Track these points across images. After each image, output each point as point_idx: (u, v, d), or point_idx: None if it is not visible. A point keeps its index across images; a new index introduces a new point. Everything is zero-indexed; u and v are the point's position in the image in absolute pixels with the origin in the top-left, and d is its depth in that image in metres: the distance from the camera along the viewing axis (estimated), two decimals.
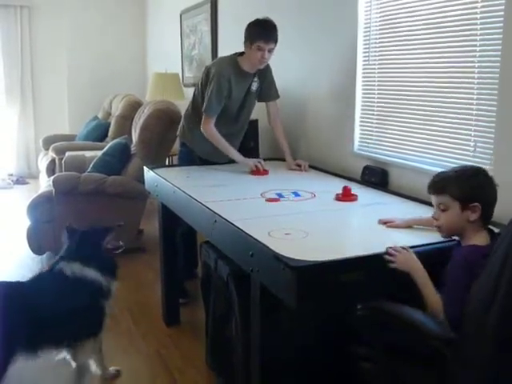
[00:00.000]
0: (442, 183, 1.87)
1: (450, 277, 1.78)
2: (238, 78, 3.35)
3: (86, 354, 2.58)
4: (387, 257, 1.83)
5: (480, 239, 1.82)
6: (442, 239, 1.94)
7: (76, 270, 2.52)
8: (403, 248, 1.85)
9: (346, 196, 2.63)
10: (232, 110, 3.43)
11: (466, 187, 1.82)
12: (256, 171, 3.22)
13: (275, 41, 3.26)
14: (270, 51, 3.27)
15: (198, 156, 3.53)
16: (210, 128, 3.34)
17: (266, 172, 3.24)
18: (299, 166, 3.36)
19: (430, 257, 1.88)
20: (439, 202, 1.88)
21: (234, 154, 3.37)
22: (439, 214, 1.88)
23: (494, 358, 1.46)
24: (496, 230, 1.92)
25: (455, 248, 1.88)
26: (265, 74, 3.48)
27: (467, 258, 1.76)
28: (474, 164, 2.34)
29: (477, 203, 1.79)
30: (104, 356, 2.72)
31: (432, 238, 1.98)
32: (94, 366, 2.69)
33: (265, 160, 3.72)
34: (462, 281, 1.68)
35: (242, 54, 3.38)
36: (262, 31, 3.25)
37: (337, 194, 2.65)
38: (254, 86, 3.46)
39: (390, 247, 1.85)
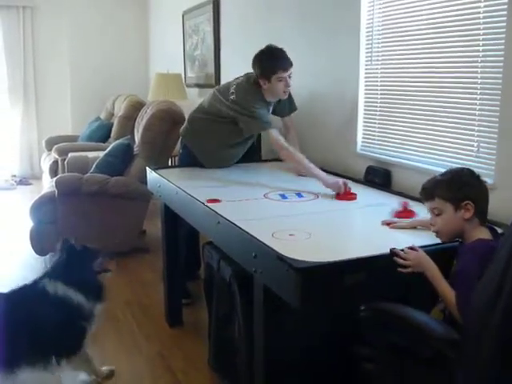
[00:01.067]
0: (431, 189, 1.92)
1: (460, 272, 1.78)
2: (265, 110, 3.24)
3: (66, 370, 2.55)
4: (399, 260, 1.82)
5: (483, 234, 1.84)
6: None
7: (59, 290, 2.50)
8: (412, 248, 1.85)
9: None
10: (245, 136, 3.36)
11: (454, 187, 1.86)
12: (343, 194, 2.70)
13: (291, 64, 3.14)
14: (290, 76, 3.16)
15: (198, 159, 3.50)
16: (278, 139, 3.09)
17: (353, 196, 2.71)
18: None
19: (434, 257, 1.87)
20: (432, 207, 1.91)
21: (319, 173, 2.93)
22: (435, 219, 1.91)
23: (497, 358, 1.45)
24: (500, 231, 1.91)
25: (460, 248, 1.87)
26: None
27: (476, 250, 1.78)
28: (479, 164, 2.35)
29: (468, 201, 1.82)
30: (93, 363, 2.70)
31: (436, 238, 1.98)
32: (84, 376, 2.68)
33: (267, 161, 3.71)
34: (474, 271, 1.68)
35: (257, 82, 3.21)
36: (276, 61, 3.12)
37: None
38: (270, 110, 3.37)
39: (395, 248, 1.85)
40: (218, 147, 3.38)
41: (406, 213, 2.31)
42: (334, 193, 2.73)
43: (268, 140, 3.22)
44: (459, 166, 2.22)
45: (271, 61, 3.12)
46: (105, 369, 2.76)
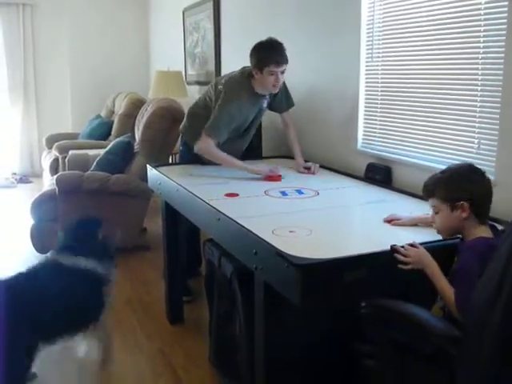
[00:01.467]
0: (431, 187, 1.92)
1: (459, 270, 1.78)
2: (251, 101, 3.26)
3: (89, 339, 2.61)
4: (400, 257, 1.83)
5: (483, 232, 1.84)
6: None
7: (74, 262, 2.55)
8: (413, 245, 1.85)
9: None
10: (240, 130, 3.38)
11: (451, 187, 1.85)
12: (270, 177, 3.06)
13: (286, 61, 3.13)
14: (283, 73, 3.15)
15: (198, 156, 3.50)
16: (207, 148, 3.23)
17: (279, 178, 3.08)
18: (308, 168, 3.24)
19: (434, 254, 1.87)
20: (432, 205, 1.93)
21: (240, 165, 3.20)
22: (434, 216, 1.92)
23: (498, 356, 1.45)
24: (500, 228, 1.91)
25: (460, 245, 1.88)
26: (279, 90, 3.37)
27: (476, 248, 1.78)
28: (479, 161, 2.34)
29: (462, 202, 1.81)
30: (108, 349, 2.74)
31: (436, 235, 1.97)
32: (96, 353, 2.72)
33: (267, 158, 3.73)
34: (474, 269, 1.68)
35: (252, 74, 3.23)
36: (271, 55, 3.10)
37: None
38: (265, 104, 3.39)
39: (395, 245, 1.85)
40: None
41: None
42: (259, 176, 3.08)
43: (199, 142, 3.25)
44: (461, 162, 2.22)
45: (267, 53, 3.13)
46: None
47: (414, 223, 2.17)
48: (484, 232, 1.84)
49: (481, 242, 1.80)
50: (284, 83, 3.37)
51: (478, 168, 1.89)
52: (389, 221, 2.20)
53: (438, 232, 1.94)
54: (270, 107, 3.47)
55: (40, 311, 2.37)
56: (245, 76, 3.28)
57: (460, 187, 1.83)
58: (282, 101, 3.46)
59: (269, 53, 3.12)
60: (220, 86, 3.32)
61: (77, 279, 2.52)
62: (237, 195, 2.68)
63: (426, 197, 1.95)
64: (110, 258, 2.69)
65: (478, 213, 1.83)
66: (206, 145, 3.22)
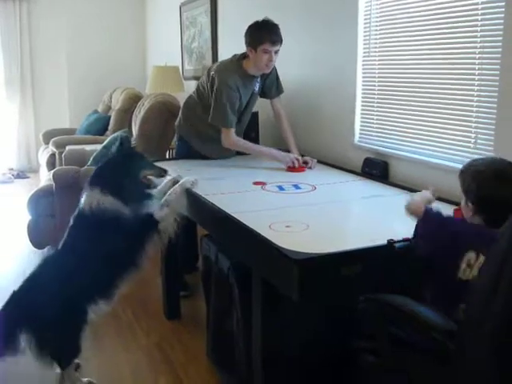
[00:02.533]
0: (459, 174, 1.84)
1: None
2: (245, 84, 3.28)
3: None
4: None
5: None
6: None
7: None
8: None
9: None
10: (240, 111, 3.38)
11: (464, 183, 1.80)
12: (292, 167, 3.12)
13: (281, 41, 3.16)
14: (277, 53, 3.18)
15: (195, 150, 3.50)
16: (233, 139, 3.29)
17: (302, 168, 3.14)
18: (306, 163, 3.21)
19: None
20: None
21: (268, 152, 3.30)
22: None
23: (496, 351, 1.45)
24: None
25: None
26: (270, 73, 3.41)
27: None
28: (476, 156, 2.34)
29: (469, 201, 1.77)
30: None
31: None
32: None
33: None
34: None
35: (243, 56, 3.29)
36: (266, 33, 3.12)
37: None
38: (257, 87, 3.40)
39: (392, 239, 1.85)
40: (213, 132, 3.35)
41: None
42: (285, 167, 3.16)
43: (223, 138, 3.30)
44: (498, 156, 2.08)
45: (261, 31, 3.15)
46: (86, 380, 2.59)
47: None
48: None
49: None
50: (275, 69, 3.41)
51: (507, 173, 1.74)
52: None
53: None
54: (262, 93, 3.48)
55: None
56: (235, 59, 3.32)
57: (469, 188, 1.77)
58: (272, 87, 3.48)
59: (263, 31, 3.14)
60: (212, 72, 3.34)
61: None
62: (264, 183, 2.80)
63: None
64: (144, 199, 2.50)
65: (484, 217, 1.76)
66: (229, 138, 3.28)
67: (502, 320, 1.43)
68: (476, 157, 2.33)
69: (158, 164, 3.22)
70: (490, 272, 1.49)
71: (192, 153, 3.46)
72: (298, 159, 3.14)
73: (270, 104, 3.54)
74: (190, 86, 5.96)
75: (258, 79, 3.38)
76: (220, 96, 3.22)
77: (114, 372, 2.76)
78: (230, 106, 3.22)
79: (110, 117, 6.57)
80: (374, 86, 3.06)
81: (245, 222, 2.06)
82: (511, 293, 1.42)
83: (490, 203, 1.75)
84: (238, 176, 3.05)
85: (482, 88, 2.35)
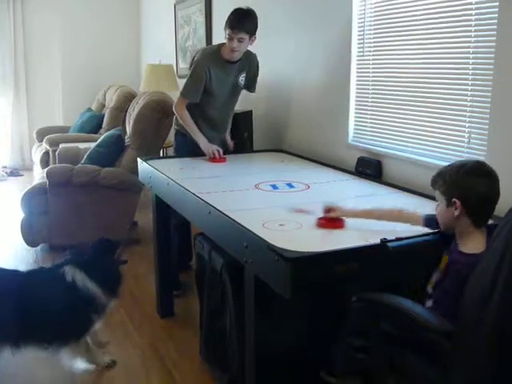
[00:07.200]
0: (435, 178, 1.88)
1: (446, 292, 1.79)
2: (218, 66, 3.37)
3: (67, 355, 2.59)
4: None
5: (475, 238, 1.78)
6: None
7: (78, 278, 2.55)
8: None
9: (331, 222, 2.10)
10: (220, 98, 3.46)
11: (448, 183, 1.80)
12: (213, 158, 3.31)
13: (246, 31, 3.19)
14: (241, 41, 3.22)
15: (192, 141, 3.50)
16: (181, 109, 3.43)
17: (223, 160, 3.34)
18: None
19: (424, 248, 1.88)
20: (435, 196, 1.89)
21: (199, 138, 3.42)
22: (436, 207, 1.89)
23: (494, 349, 1.45)
24: (490, 221, 1.91)
25: (452, 246, 1.85)
26: (251, 69, 3.51)
27: (460, 272, 1.73)
28: (470, 155, 2.35)
29: (455, 199, 1.76)
30: (93, 352, 2.73)
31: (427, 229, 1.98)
32: (84, 364, 2.70)
33: (259, 152, 3.73)
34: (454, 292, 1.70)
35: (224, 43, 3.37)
36: (232, 19, 3.20)
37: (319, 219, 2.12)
38: (242, 81, 3.49)
39: (385, 238, 1.85)
40: (204, 125, 3.48)
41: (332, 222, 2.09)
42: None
43: (175, 103, 3.51)
44: (471, 157, 2.17)
45: (230, 17, 3.23)
46: (106, 360, 2.78)
47: (354, 216, 2.11)
48: (476, 238, 1.78)
49: (460, 261, 1.77)
50: (257, 68, 3.53)
51: (486, 169, 1.78)
52: (327, 211, 2.12)
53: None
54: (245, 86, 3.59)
55: (23, 309, 2.38)
56: (216, 45, 3.45)
57: (455, 184, 1.78)
58: (248, 82, 3.56)
59: (231, 17, 3.22)
60: (195, 58, 3.48)
61: (75, 298, 2.52)
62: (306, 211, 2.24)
63: (432, 187, 1.89)
64: (115, 288, 2.69)
65: (472, 215, 1.77)
66: (179, 106, 3.46)
67: (498, 321, 1.43)
68: (469, 156, 2.35)
69: (153, 162, 3.24)
70: (487, 273, 1.49)
71: (189, 146, 3.47)
72: (218, 150, 3.34)
73: (263, 103, 3.55)
74: None
75: (244, 74, 3.46)
76: (192, 72, 3.39)
77: (106, 370, 2.75)
78: (194, 81, 3.36)
79: (103, 115, 6.56)
80: (368, 85, 3.07)
81: (238, 221, 2.05)
82: (507, 294, 1.42)
83: (482, 198, 1.76)
84: (231, 175, 3.05)
85: (476, 87, 2.36)
